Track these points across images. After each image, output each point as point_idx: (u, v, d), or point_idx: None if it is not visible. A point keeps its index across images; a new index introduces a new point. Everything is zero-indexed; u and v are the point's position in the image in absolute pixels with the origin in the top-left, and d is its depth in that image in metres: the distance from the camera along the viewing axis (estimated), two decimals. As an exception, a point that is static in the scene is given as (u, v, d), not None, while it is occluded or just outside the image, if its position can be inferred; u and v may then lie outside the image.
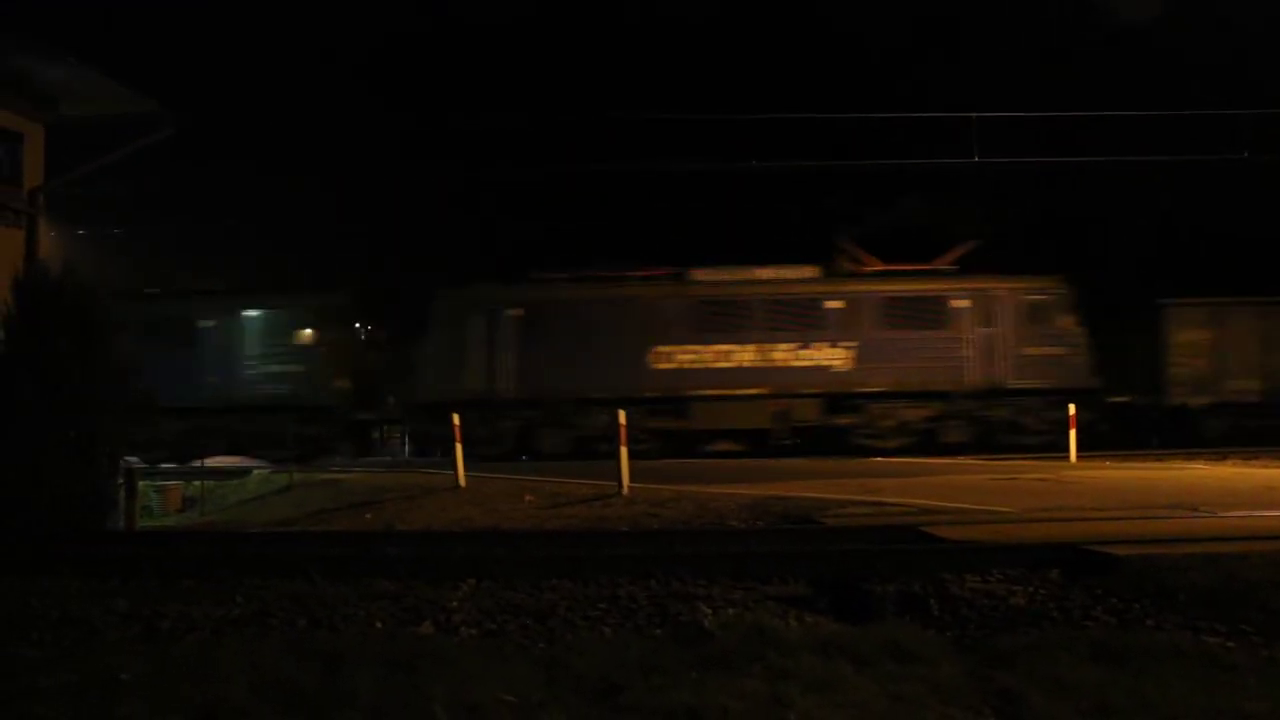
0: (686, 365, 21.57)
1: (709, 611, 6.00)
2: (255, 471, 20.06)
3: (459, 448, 14.78)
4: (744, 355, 21.55)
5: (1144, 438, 21.65)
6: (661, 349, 21.61)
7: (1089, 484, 12.78)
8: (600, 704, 4.39)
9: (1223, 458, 18.07)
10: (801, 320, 21.63)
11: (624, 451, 12.90)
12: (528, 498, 12.94)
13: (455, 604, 6.32)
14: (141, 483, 15.15)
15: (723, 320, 21.66)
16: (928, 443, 21.16)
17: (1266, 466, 16.13)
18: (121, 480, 12.66)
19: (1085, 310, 21.73)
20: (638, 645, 5.29)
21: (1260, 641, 5.22)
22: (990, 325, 21.46)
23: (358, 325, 25.01)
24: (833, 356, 21.51)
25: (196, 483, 19.78)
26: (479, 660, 5.00)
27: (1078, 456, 17.69)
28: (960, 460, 18.81)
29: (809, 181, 30.95)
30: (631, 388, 21.03)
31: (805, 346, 21.54)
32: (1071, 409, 18.36)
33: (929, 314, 21.63)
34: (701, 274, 22.32)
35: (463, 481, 14.37)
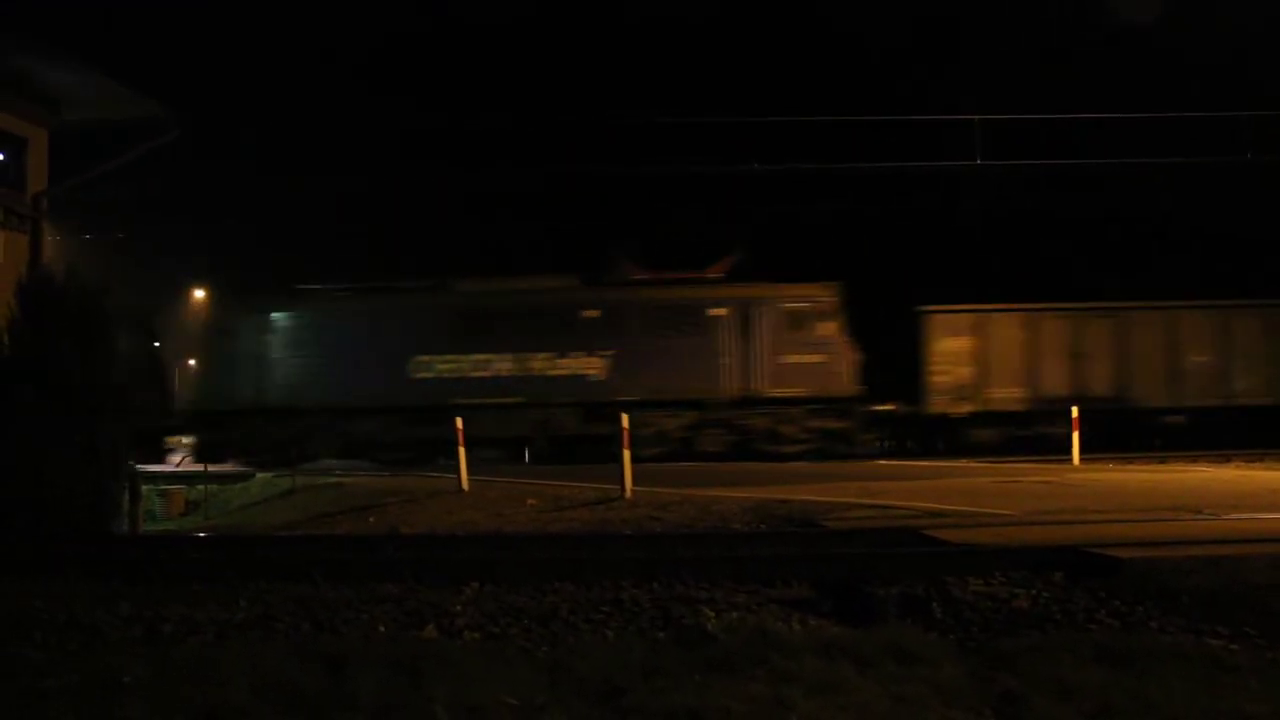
0: (446, 374, 21.75)
1: (711, 614, 5.99)
2: (258, 475, 20.11)
3: (462, 451, 14.81)
4: (502, 365, 21.73)
5: (913, 446, 21.75)
6: (422, 358, 21.79)
7: (1091, 486, 12.77)
8: (602, 706, 4.39)
9: (1226, 460, 18.06)
10: (559, 329, 21.80)
11: (627, 455, 12.92)
12: (530, 501, 12.95)
13: (458, 607, 6.32)
14: (144, 486, 15.16)
15: (482, 330, 21.85)
16: (685, 451, 21.19)
17: (1270, 469, 16.12)
18: (125, 483, 12.68)
19: (852, 317, 21.78)
20: (640, 648, 5.29)
21: (1264, 644, 5.21)
22: (749, 333, 21.50)
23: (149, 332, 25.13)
24: (589, 365, 21.68)
25: (199, 487, 19.83)
26: (482, 663, 5.00)
27: (1080, 459, 17.68)
28: (962, 463, 18.80)
29: (809, 184, 31.03)
30: (393, 396, 21.32)
31: (563, 356, 21.71)
32: (1074, 411, 18.35)
33: (686, 322, 21.64)
34: (463, 284, 22.62)
35: (465, 485, 14.38)
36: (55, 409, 11.14)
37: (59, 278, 11.99)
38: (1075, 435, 17.96)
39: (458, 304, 22.14)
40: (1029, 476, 14.45)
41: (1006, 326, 22.29)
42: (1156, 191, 29.89)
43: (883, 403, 22.10)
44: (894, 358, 22.40)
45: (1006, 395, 21.99)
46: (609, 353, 21.55)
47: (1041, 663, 4.85)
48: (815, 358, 21.26)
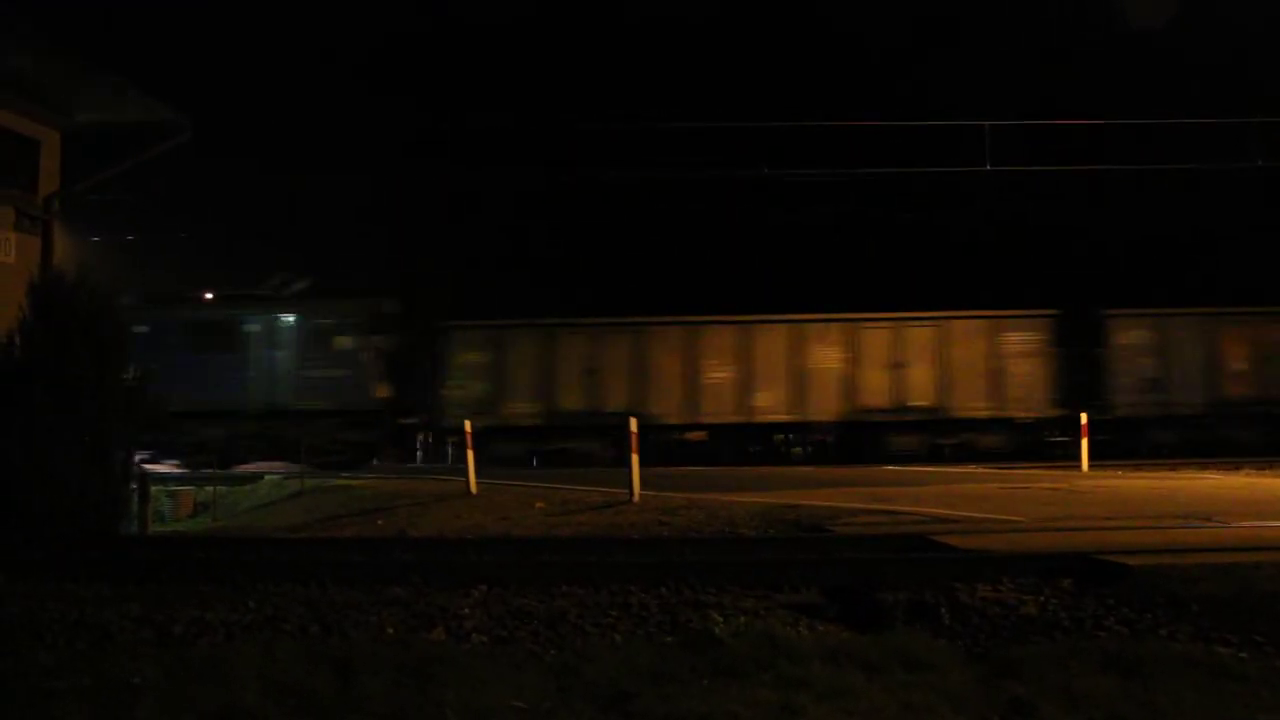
0: None
1: (720, 619, 6.00)
2: (267, 477, 20.17)
3: (470, 454, 14.85)
4: None
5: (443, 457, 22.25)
6: None
7: (1100, 493, 12.74)
8: (611, 711, 4.40)
9: (1236, 468, 18.01)
10: None
11: (635, 459, 12.93)
12: (539, 504, 12.96)
13: (466, 610, 6.33)
14: (154, 488, 15.21)
15: None
16: (224, 460, 22.09)
17: (1280, 476, 16.07)
18: (134, 485, 12.71)
19: (402, 331, 22.74)
20: (648, 653, 5.30)
21: (1273, 652, 5.20)
22: (276, 348, 22.65)
23: None
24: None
25: (208, 488, 19.88)
26: (490, 667, 5.01)
27: (1090, 466, 17.64)
28: (972, 469, 18.77)
29: (809, 188, 31.04)
30: None
31: None
32: (1083, 418, 18.31)
33: (221, 338, 22.81)
34: None
35: (474, 488, 14.40)
36: (65, 409, 11.17)
37: (70, 279, 12.04)
38: (1084, 442, 17.93)
39: None
40: (1037, 483, 14.41)
41: (522, 342, 22.65)
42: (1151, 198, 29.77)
43: (407, 416, 22.99)
44: (420, 371, 23.23)
45: (522, 410, 22.45)
46: (152, 368, 22.46)
47: (1049, 670, 4.85)
48: (341, 372, 22.27)
